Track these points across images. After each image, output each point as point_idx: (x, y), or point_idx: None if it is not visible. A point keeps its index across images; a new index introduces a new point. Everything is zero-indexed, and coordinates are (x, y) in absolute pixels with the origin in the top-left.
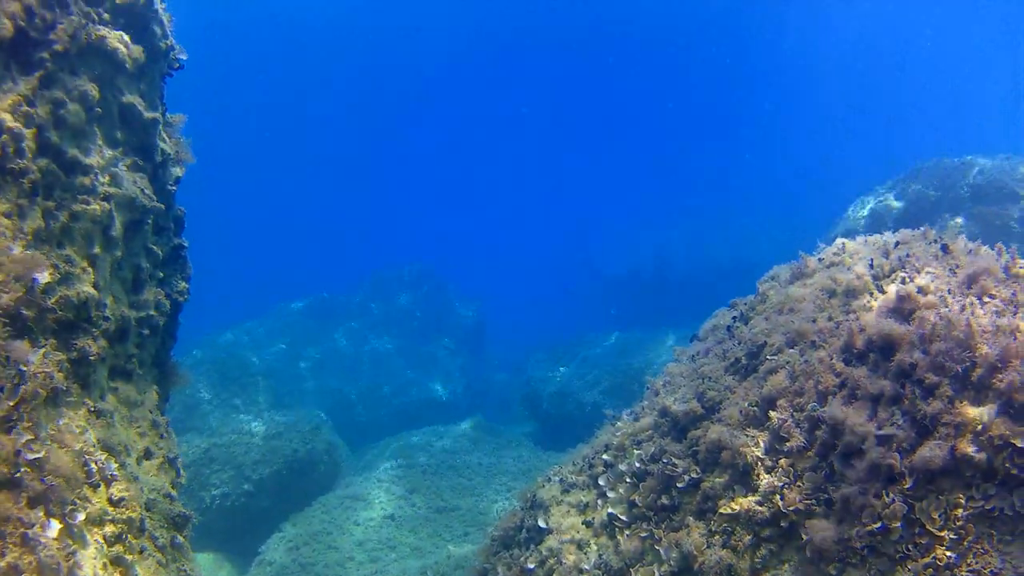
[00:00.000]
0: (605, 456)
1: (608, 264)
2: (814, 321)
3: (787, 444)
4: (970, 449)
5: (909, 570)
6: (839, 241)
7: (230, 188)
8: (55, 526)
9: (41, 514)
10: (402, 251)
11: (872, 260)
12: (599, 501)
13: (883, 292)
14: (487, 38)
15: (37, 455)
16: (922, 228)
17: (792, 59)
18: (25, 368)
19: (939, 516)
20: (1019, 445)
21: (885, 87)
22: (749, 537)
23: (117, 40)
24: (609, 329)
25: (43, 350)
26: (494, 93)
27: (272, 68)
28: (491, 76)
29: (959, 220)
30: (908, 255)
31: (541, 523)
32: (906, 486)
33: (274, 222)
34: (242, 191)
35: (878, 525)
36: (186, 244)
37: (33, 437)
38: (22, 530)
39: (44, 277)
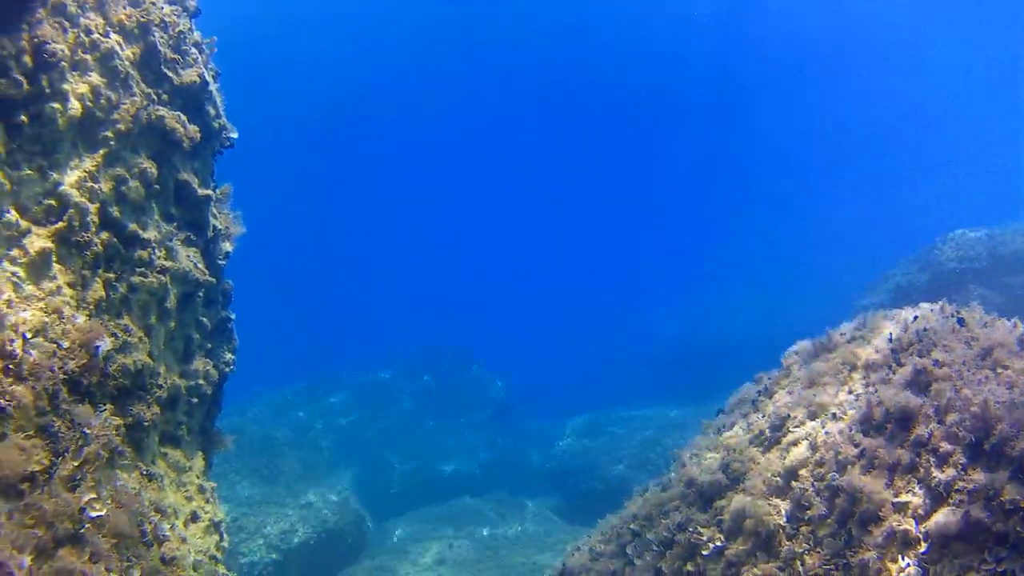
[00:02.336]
0: (632, 525)
1: (637, 337)
2: (835, 395)
3: (808, 512)
4: (983, 514)
5: None
6: (860, 317)
7: (257, 254)
8: None
9: (102, 569)
10: (431, 324)
11: (891, 335)
12: (627, 569)
13: (901, 365)
14: (513, 106)
15: (99, 513)
16: (940, 302)
17: (824, 125)
18: (88, 430)
19: None
20: None
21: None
22: None
23: (175, 120)
24: (635, 403)
25: (104, 414)
26: (522, 160)
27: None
28: (521, 141)
29: (982, 292)
30: (926, 329)
31: None
32: (921, 551)
33: (301, 295)
34: (266, 261)
35: None
36: (233, 317)
37: (95, 496)
38: None
39: (106, 345)
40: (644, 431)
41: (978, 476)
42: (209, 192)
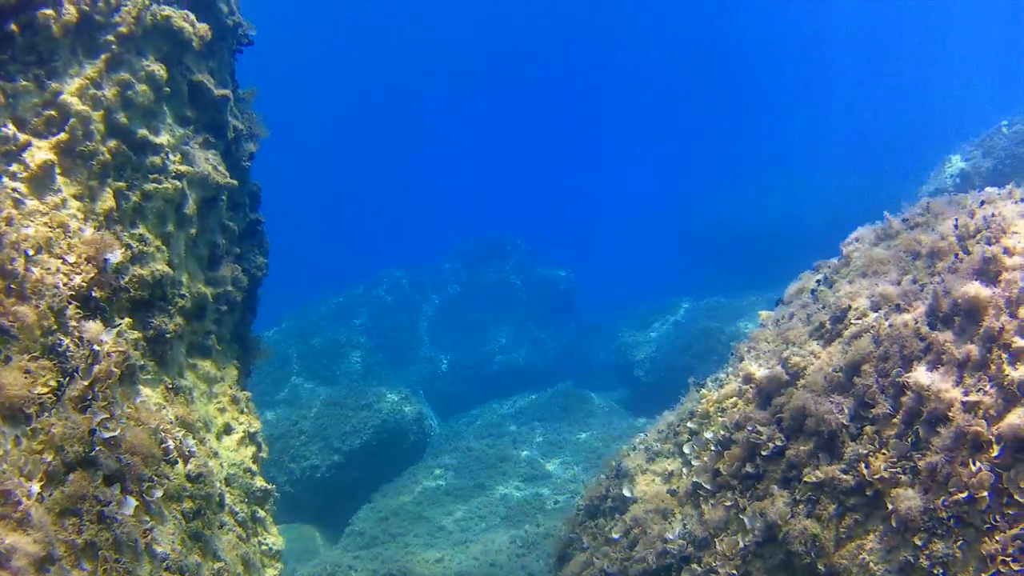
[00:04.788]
0: (690, 424)
1: (695, 224)
2: (898, 284)
3: (872, 411)
4: None
5: (996, 541)
6: (923, 201)
7: (303, 162)
8: (131, 503)
9: (118, 491)
10: (489, 219)
11: (957, 220)
12: (684, 470)
13: (968, 253)
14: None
15: (112, 433)
16: (1008, 186)
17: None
18: (99, 348)
19: None
20: None
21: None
22: (834, 506)
23: (182, 19)
24: (698, 292)
25: (116, 329)
26: (571, 60)
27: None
28: (565, 44)
29: None
30: (993, 214)
31: (626, 492)
32: (993, 454)
33: (356, 194)
34: (315, 164)
35: (965, 495)
36: (262, 219)
37: (108, 416)
38: (98, 508)
39: (116, 257)
40: (706, 321)
41: None
42: (227, 92)
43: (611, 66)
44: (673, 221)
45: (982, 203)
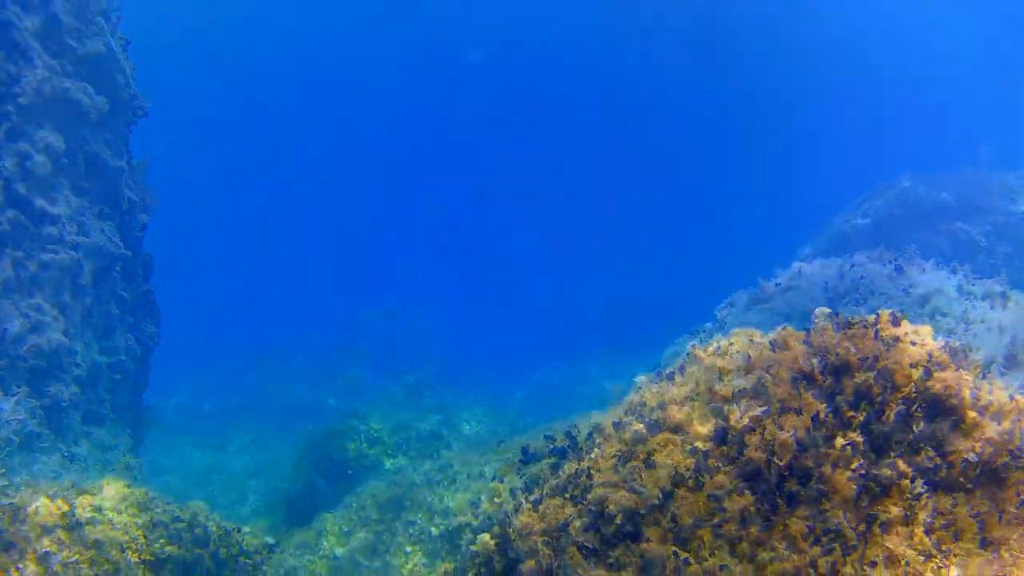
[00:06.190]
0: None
1: (581, 290)
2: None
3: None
4: None
5: None
6: (796, 265)
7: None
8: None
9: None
10: (375, 288)
11: (827, 283)
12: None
13: (837, 315)
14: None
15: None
16: (878, 249)
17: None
18: None
19: None
20: None
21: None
22: None
23: (81, 91)
24: (592, 356)
25: (15, 397)
26: (449, 142)
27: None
28: (443, 122)
29: (927, 237)
30: (862, 277)
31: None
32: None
33: (251, 266)
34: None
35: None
36: (152, 289)
37: (7, 483)
38: None
39: (14, 327)
40: (604, 382)
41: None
42: (122, 164)
43: (489, 137)
44: (562, 287)
45: (852, 265)
